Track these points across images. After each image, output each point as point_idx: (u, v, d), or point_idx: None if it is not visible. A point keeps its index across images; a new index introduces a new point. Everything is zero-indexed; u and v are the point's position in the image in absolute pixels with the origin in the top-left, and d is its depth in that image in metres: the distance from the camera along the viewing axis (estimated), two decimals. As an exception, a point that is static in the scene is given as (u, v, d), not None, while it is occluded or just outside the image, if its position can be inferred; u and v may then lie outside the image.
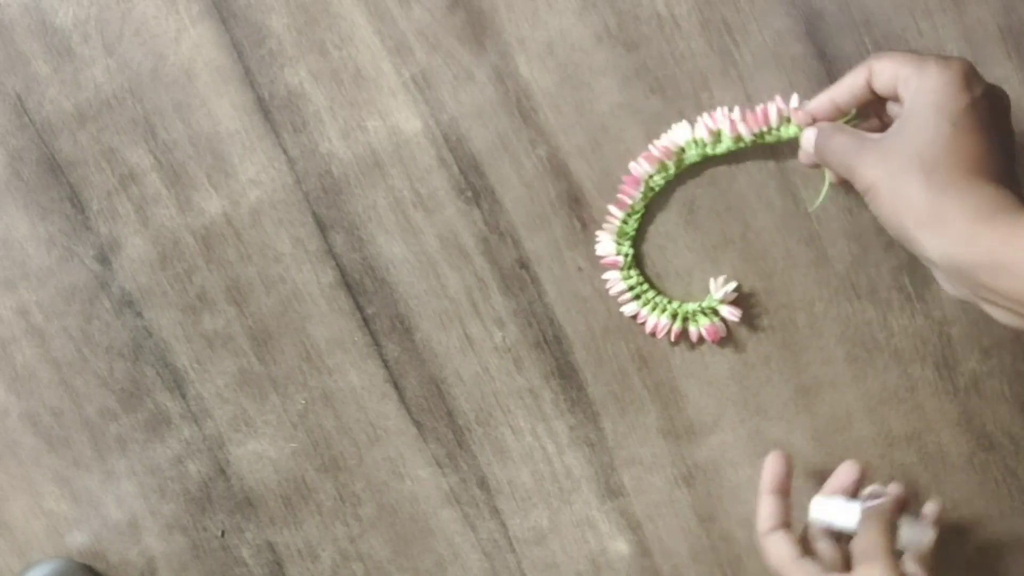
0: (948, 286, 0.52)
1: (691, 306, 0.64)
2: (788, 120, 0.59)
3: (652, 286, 0.64)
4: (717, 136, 0.60)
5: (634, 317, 0.64)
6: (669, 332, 0.64)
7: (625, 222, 0.63)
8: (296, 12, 0.62)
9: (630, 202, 0.62)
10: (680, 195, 0.63)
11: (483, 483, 0.67)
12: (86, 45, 0.63)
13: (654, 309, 0.64)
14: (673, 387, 0.66)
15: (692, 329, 0.64)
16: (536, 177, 0.63)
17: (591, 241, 0.64)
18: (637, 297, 0.64)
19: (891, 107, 0.56)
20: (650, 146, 0.61)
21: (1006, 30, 0.60)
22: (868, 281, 0.64)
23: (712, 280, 0.63)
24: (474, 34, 0.62)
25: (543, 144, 0.63)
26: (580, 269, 0.64)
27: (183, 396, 0.66)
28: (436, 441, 0.67)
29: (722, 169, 0.62)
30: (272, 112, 0.63)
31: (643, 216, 0.63)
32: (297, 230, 0.64)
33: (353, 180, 0.64)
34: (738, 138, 0.60)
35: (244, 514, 0.68)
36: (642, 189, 0.62)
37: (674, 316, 0.64)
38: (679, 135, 0.61)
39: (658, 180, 0.62)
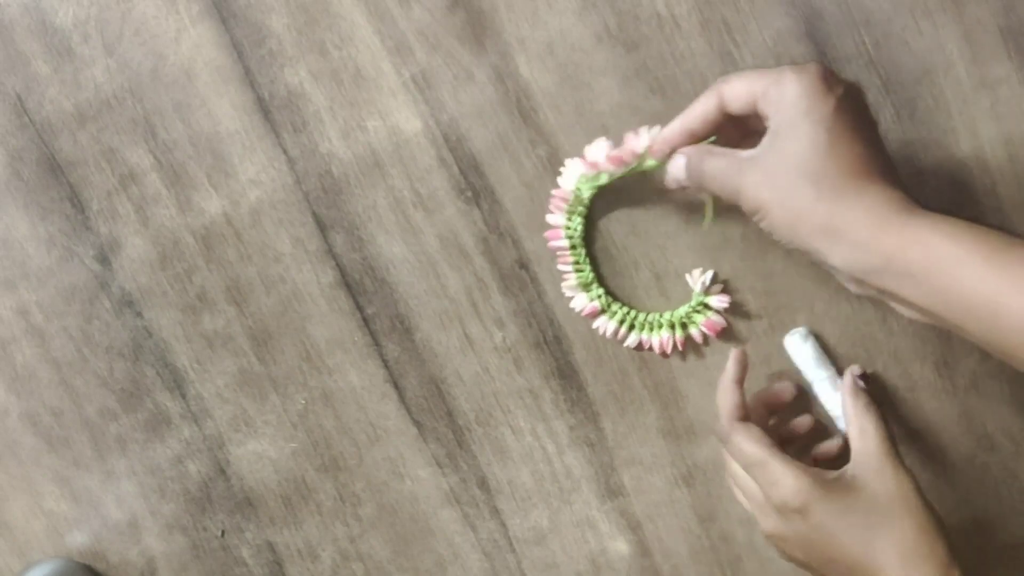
0: (852, 286, 0.52)
1: (682, 310, 0.64)
2: (645, 155, 0.58)
3: (637, 309, 0.64)
4: (596, 174, 0.61)
5: (638, 347, 0.64)
6: (675, 344, 0.64)
7: (579, 271, 0.63)
8: (296, 12, 0.62)
9: (567, 253, 0.63)
10: (680, 195, 0.63)
11: (483, 483, 0.67)
12: (86, 45, 0.63)
13: (651, 329, 0.64)
14: (673, 387, 0.66)
15: (694, 331, 0.64)
16: (536, 177, 0.63)
17: (591, 241, 0.64)
18: (631, 327, 0.64)
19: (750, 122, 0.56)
20: (552, 192, 0.62)
21: (1006, 30, 0.60)
22: (868, 281, 0.64)
23: (688, 276, 0.63)
24: (474, 34, 0.62)
25: (543, 144, 0.63)
26: (567, 298, 0.64)
27: (183, 396, 0.66)
28: (436, 441, 0.67)
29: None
30: (272, 112, 0.63)
31: (587, 257, 0.63)
32: (297, 230, 0.64)
33: (353, 180, 0.64)
34: (611, 173, 0.60)
35: (244, 514, 0.68)
36: (565, 236, 0.63)
37: (672, 326, 0.64)
38: (568, 177, 0.61)
39: (575, 221, 0.63)
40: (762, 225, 0.51)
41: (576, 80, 0.62)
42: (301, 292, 0.65)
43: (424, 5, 0.62)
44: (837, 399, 0.63)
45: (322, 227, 0.64)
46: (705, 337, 0.64)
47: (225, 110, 0.63)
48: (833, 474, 0.56)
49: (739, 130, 0.57)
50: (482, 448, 0.67)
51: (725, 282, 0.64)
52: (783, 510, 0.56)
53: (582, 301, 0.64)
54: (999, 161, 0.62)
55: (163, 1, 0.62)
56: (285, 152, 0.64)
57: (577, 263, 0.63)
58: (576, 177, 0.61)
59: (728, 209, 0.63)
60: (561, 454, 0.67)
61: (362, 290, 0.65)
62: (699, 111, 0.55)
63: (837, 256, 0.49)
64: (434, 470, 0.67)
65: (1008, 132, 0.61)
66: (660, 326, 0.64)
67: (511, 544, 0.68)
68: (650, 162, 0.58)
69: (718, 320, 0.64)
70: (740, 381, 0.60)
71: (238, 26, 0.62)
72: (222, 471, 0.67)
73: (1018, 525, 0.67)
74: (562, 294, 0.64)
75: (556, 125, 0.63)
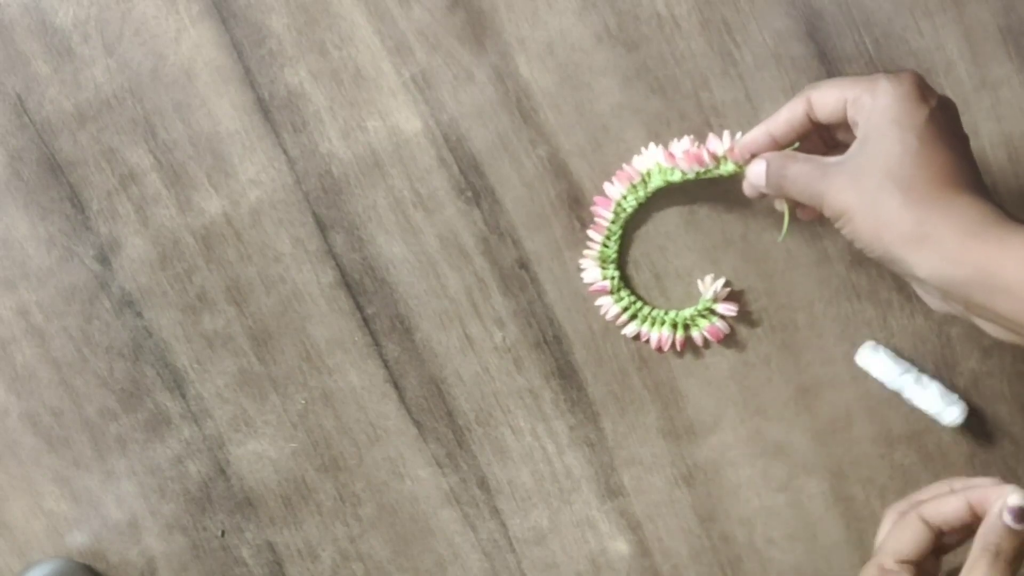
0: (934, 302, 0.51)
1: (687, 311, 0.64)
2: (724, 159, 0.58)
3: (645, 302, 0.64)
4: (671, 168, 0.61)
5: (636, 337, 0.64)
6: (674, 343, 0.64)
7: (606, 245, 0.63)
8: (296, 12, 0.62)
9: (605, 224, 0.62)
10: (680, 196, 0.63)
11: (483, 483, 0.67)
12: (86, 45, 0.63)
13: (653, 324, 0.64)
14: (673, 387, 0.66)
15: (695, 334, 0.64)
16: (536, 177, 0.63)
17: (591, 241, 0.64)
18: (634, 316, 0.64)
19: (838, 133, 0.55)
20: (624, 166, 0.62)
21: (1006, 30, 0.60)
22: (868, 281, 0.64)
23: (700, 281, 0.63)
24: (474, 34, 0.62)
25: (543, 144, 0.63)
26: (580, 269, 0.64)
27: (183, 396, 0.66)
28: (436, 441, 0.67)
29: (722, 169, 0.62)
30: (272, 112, 0.63)
31: (622, 239, 0.63)
32: (297, 230, 0.64)
33: (353, 180, 0.64)
34: (684, 173, 0.60)
35: (244, 514, 0.68)
36: (613, 209, 0.62)
37: (674, 326, 0.64)
38: (646, 160, 0.61)
39: (630, 201, 0.62)
40: (844, 232, 0.50)
41: (576, 80, 0.62)
42: (301, 292, 0.65)
43: (424, 5, 0.62)
44: (928, 396, 0.62)
45: (322, 227, 0.64)
46: (706, 341, 0.64)
47: (225, 110, 0.63)
48: None
49: (824, 142, 0.56)
50: (482, 448, 0.67)
51: (740, 292, 0.64)
52: None
53: (594, 275, 0.63)
54: (999, 161, 0.62)
55: (163, 1, 0.62)
56: (285, 152, 0.64)
57: (608, 238, 0.63)
58: (651, 163, 0.61)
59: (729, 209, 0.63)
60: (561, 454, 0.67)
61: (362, 290, 0.65)
62: (785, 116, 0.54)
63: (924, 266, 0.48)
64: (434, 470, 0.67)
65: (1008, 132, 0.61)
66: (663, 323, 0.64)
67: (511, 544, 0.68)
68: (728, 166, 0.58)
69: (722, 326, 0.64)
70: (973, 505, 0.51)
71: (238, 26, 0.62)
72: (222, 471, 0.67)
73: (1018, 525, 0.66)
74: (562, 294, 0.64)
75: (556, 125, 0.63)
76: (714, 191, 0.63)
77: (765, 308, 0.64)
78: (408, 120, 0.63)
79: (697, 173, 0.59)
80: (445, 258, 0.64)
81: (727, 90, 0.62)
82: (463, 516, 0.68)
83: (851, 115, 0.51)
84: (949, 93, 0.61)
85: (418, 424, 0.67)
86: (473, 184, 0.64)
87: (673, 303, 0.64)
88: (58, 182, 0.64)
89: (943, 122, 0.49)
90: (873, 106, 0.49)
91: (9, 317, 0.66)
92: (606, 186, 0.62)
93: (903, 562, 0.51)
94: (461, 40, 0.62)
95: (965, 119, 0.61)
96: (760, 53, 0.61)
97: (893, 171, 0.48)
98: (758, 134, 0.56)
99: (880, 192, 0.48)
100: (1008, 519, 0.49)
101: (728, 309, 0.63)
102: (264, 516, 0.68)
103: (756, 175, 0.55)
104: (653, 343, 0.64)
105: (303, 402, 0.66)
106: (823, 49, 0.61)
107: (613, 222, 0.62)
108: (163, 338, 0.66)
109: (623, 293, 0.64)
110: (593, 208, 0.63)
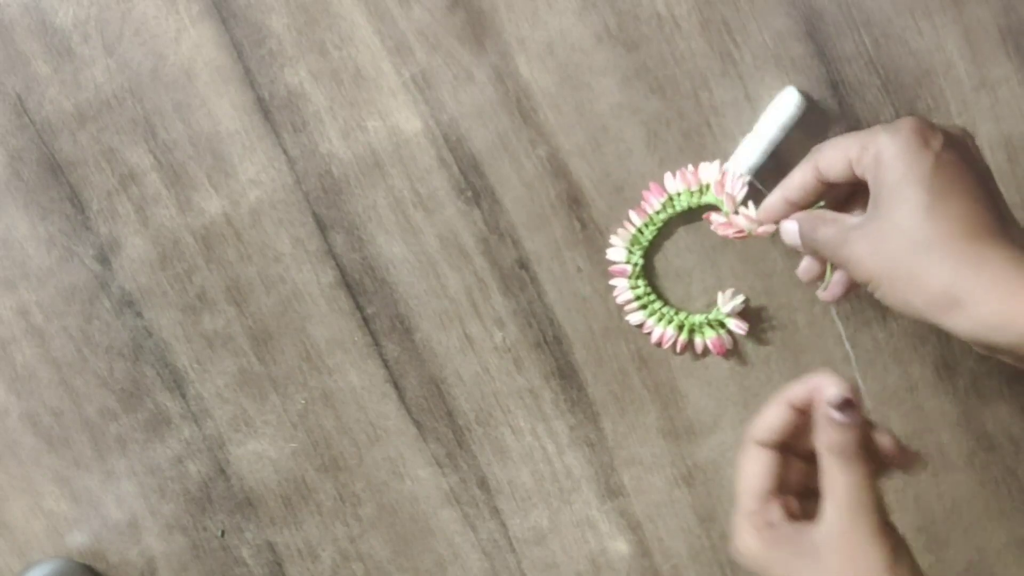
0: (979, 349, 0.48)
1: (698, 318, 0.64)
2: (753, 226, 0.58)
3: (660, 296, 0.64)
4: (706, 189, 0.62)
5: (639, 326, 0.64)
6: (675, 343, 0.64)
7: (641, 231, 0.63)
8: (296, 12, 0.62)
9: (650, 212, 0.62)
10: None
11: (483, 483, 0.67)
12: (86, 45, 0.63)
13: (660, 319, 0.64)
14: (673, 387, 0.66)
15: (698, 340, 0.64)
16: (536, 177, 0.63)
17: (591, 241, 0.64)
18: (644, 307, 0.64)
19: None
20: (689, 166, 0.62)
21: (1006, 30, 0.60)
22: (868, 281, 0.64)
23: (720, 293, 0.63)
24: (474, 34, 0.62)
25: (543, 144, 0.63)
26: (580, 269, 0.64)
27: (183, 396, 0.66)
28: (436, 441, 0.67)
29: (722, 169, 0.62)
30: (272, 112, 0.63)
31: (660, 230, 0.63)
32: (297, 230, 0.64)
33: (353, 180, 0.64)
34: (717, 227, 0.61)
35: (244, 514, 0.68)
36: (664, 201, 0.62)
37: (680, 327, 0.64)
38: (710, 172, 0.61)
39: (682, 201, 0.62)
40: (876, 295, 0.48)
41: (576, 80, 0.62)
42: (301, 292, 0.65)
43: (424, 5, 0.62)
44: (766, 118, 0.59)
45: (322, 227, 0.64)
46: (706, 349, 0.64)
47: (225, 110, 0.63)
48: (794, 537, 0.47)
49: (846, 189, 0.54)
50: (482, 448, 0.67)
51: (757, 310, 0.64)
52: (735, 558, 0.50)
53: (619, 255, 0.63)
54: (999, 161, 0.62)
55: (163, 1, 0.62)
56: (285, 152, 0.64)
57: (647, 225, 0.63)
58: (712, 177, 0.61)
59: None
60: (561, 454, 0.67)
61: (362, 290, 0.65)
62: (797, 181, 0.53)
63: (963, 329, 0.45)
64: (434, 470, 0.67)
65: (1008, 132, 0.61)
66: (670, 321, 0.64)
67: (511, 544, 0.68)
68: (763, 228, 0.57)
69: (727, 341, 0.64)
70: (797, 407, 0.49)
71: (238, 26, 0.62)
72: (222, 471, 0.67)
73: (1018, 525, 0.67)
74: (562, 294, 0.64)
75: (556, 125, 0.63)
76: (714, 191, 0.63)
77: (765, 308, 0.64)
78: (408, 120, 0.63)
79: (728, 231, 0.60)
80: (445, 258, 0.64)
81: (727, 90, 0.62)
82: (463, 516, 0.68)
83: (859, 174, 0.49)
84: (949, 93, 0.61)
85: (418, 424, 0.67)
86: (473, 184, 0.64)
87: (671, 303, 0.64)
88: (58, 182, 0.64)
89: (953, 164, 0.47)
90: (876, 164, 0.47)
91: (9, 317, 0.66)
92: (666, 176, 0.62)
93: (762, 497, 0.48)
94: (461, 40, 0.62)
95: (965, 119, 0.61)
96: (760, 53, 0.61)
97: (911, 233, 0.46)
98: (776, 200, 0.54)
99: (902, 258, 0.46)
100: (835, 416, 0.46)
101: (739, 326, 0.63)
102: (264, 516, 0.68)
103: (791, 236, 0.54)
104: (654, 338, 0.64)
105: (303, 402, 0.66)
106: (823, 49, 0.61)
107: (658, 213, 0.62)
108: (163, 338, 0.66)
109: (640, 282, 0.63)
110: (645, 192, 0.62)
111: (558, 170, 0.63)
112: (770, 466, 0.49)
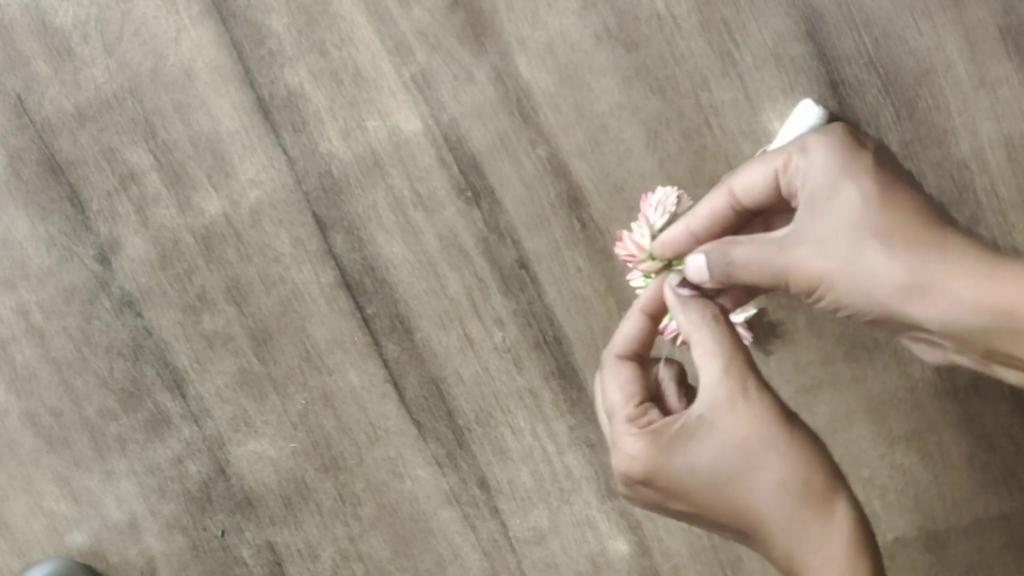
0: (935, 355, 0.45)
1: None
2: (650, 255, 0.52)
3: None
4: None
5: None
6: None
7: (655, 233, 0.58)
8: (296, 12, 0.62)
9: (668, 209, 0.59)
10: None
11: (483, 483, 0.67)
12: (86, 45, 0.63)
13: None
14: (673, 387, 0.66)
15: None
16: (536, 177, 0.63)
17: (591, 241, 0.64)
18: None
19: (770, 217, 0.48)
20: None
21: (1006, 30, 0.60)
22: (868, 281, 0.64)
23: None
24: (474, 34, 0.62)
25: (543, 144, 0.63)
26: (580, 269, 0.64)
27: (183, 396, 0.66)
28: (436, 441, 0.67)
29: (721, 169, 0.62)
30: (272, 112, 0.63)
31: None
32: (297, 230, 0.64)
33: (353, 180, 0.64)
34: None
35: (244, 514, 0.68)
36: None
37: None
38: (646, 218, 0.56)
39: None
40: (822, 304, 0.44)
41: (576, 80, 0.62)
42: (301, 292, 0.65)
43: (424, 5, 0.62)
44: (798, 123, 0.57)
45: (322, 227, 0.64)
46: None
47: (225, 110, 0.63)
48: (679, 422, 0.46)
49: (752, 230, 0.50)
50: (482, 448, 0.67)
51: (773, 325, 0.63)
52: (625, 481, 0.48)
53: (634, 244, 0.58)
54: (999, 161, 0.62)
55: (163, 1, 0.62)
56: (285, 152, 0.64)
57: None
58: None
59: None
60: (561, 454, 0.67)
61: (362, 290, 0.65)
62: (705, 211, 0.48)
63: (933, 317, 0.42)
64: (434, 470, 0.67)
65: (1008, 132, 0.61)
66: None
67: (511, 544, 0.68)
68: (646, 265, 0.52)
69: None
70: (651, 313, 0.50)
71: (238, 26, 0.62)
72: (222, 471, 0.67)
73: (1018, 525, 0.67)
74: (562, 294, 0.64)
75: (556, 125, 0.63)
76: (714, 191, 0.63)
77: (765, 308, 0.64)
78: (408, 120, 0.63)
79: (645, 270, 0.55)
80: (445, 258, 0.64)
81: (727, 90, 0.62)
82: (463, 516, 0.68)
83: (785, 186, 0.45)
84: (948, 93, 0.61)
85: (418, 424, 0.67)
86: (473, 184, 0.64)
87: (673, 303, 0.64)
88: (58, 182, 0.64)
89: (892, 160, 0.45)
90: (809, 165, 0.44)
91: (9, 317, 0.66)
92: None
93: (637, 403, 0.48)
94: (461, 40, 0.62)
95: (964, 119, 0.61)
96: (760, 53, 0.61)
97: (862, 223, 0.43)
98: (677, 232, 0.49)
99: (856, 248, 0.43)
100: (684, 292, 0.48)
101: (744, 336, 0.63)
102: (264, 516, 0.68)
103: (697, 270, 0.48)
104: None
105: (303, 402, 0.66)
106: (823, 49, 0.61)
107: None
108: (163, 338, 0.66)
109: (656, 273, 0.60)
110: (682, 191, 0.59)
111: (558, 170, 0.63)
112: (638, 374, 0.49)
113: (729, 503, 0.46)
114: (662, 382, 0.50)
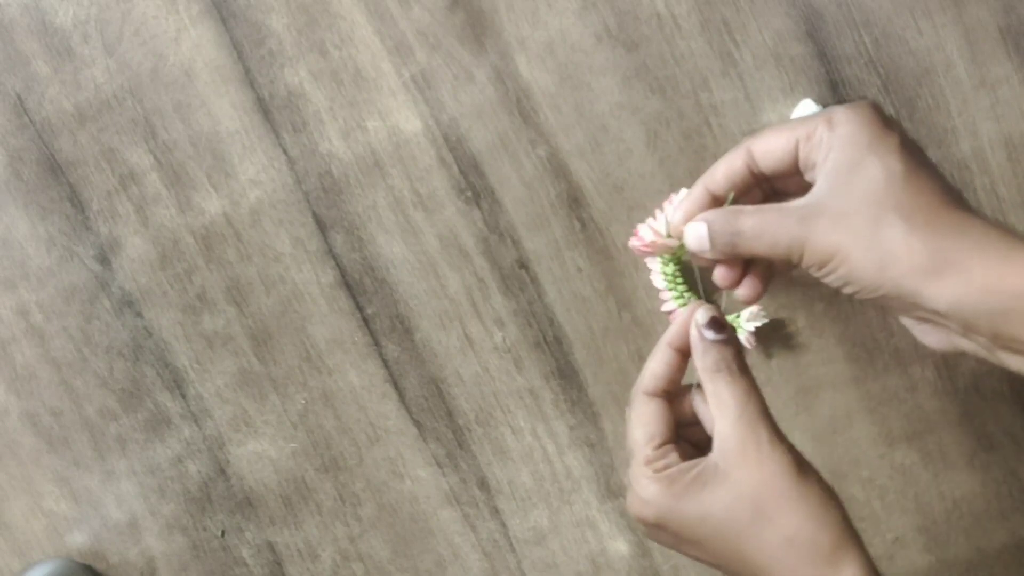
0: (939, 339, 0.46)
1: None
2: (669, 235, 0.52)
3: (685, 280, 0.61)
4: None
5: (661, 293, 0.62)
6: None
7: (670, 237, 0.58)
8: (296, 12, 0.62)
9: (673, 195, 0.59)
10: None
11: (483, 483, 0.67)
12: (86, 45, 0.63)
13: (678, 297, 0.61)
14: (673, 387, 0.65)
15: None
16: (536, 177, 0.63)
17: (591, 241, 0.64)
18: (672, 288, 0.61)
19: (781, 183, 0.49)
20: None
21: (1006, 30, 0.60)
22: (868, 281, 0.64)
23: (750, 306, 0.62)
24: (474, 34, 0.62)
25: (543, 144, 0.63)
26: (580, 269, 0.64)
27: (183, 396, 0.66)
28: (436, 441, 0.67)
29: (722, 169, 0.62)
30: (272, 112, 0.63)
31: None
32: (297, 230, 0.64)
33: (353, 180, 0.64)
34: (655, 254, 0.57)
35: (244, 514, 0.68)
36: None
37: None
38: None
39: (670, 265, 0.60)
40: (833, 277, 0.44)
41: (576, 80, 0.62)
42: (301, 292, 0.65)
43: (424, 5, 0.62)
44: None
45: (322, 227, 0.64)
46: None
47: (225, 110, 0.63)
48: (695, 469, 0.47)
49: (765, 197, 0.50)
50: (482, 448, 0.67)
51: (786, 335, 0.63)
52: (642, 523, 0.49)
53: (651, 233, 0.58)
54: (999, 161, 0.62)
55: (163, 1, 0.62)
56: (285, 152, 0.64)
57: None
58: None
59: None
60: (561, 454, 0.67)
61: (362, 290, 0.65)
62: (723, 171, 0.48)
63: (945, 297, 0.42)
64: (434, 470, 0.67)
65: (1008, 132, 0.61)
66: (684, 305, 0.61)
67: (511, 544, 0.68)
68: (664, 241, 0.52)
69: None
70: (678, 348, 0.50)
71: (238, 26, 0.62)
72: (222, 471, 0.67)
73: (1018, 525, 0.67)
74: (562, 294, 0.64)
75: (556, 125, 0.63)
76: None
77: (765, 308, 0.64)
78: (408, 120, 0.63)
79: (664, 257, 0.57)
80: (445, 258, 0.64)
81: (727, 90, 0.62)
82: (463, 516, 0.68)
83: (804, 156, 0.46)
84: (948, 93, 0.61)
85: (418, 424, 0.67)
86: (473, 184, 0.64)
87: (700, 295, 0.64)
88: (58, 182, 0.64)
89: (914, 146, 0.45)
90: (835, 138, 0.44)
91: (9, 317, 0.66)
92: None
93: (657, 444, 0.48)
94: (461, 40, 0.62)
95: (964, 119, 0.61)
96: (760, 53, 0.61)
97: (885, 200, 0.43)
98: (695, 192, 0.49)
99: (877, 224, 0.43)
100: (708, 335, 0.48)
101: (748, 341, 0.62)
102: (264, 516, 0.68)
103: (697, 240, 0.48)
104: (671, 315, 0.61)
105: (303, 402, 0.66)
106: (823, 49, 0.61)
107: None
108: (163, 338, 0.66)
109: (672, 264, 0.61)
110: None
111: (558, 170, 0.63)
112: (662, 413, 0.49)
113: (738, 554, 0.46)
114: (696, 409, 0.50)
